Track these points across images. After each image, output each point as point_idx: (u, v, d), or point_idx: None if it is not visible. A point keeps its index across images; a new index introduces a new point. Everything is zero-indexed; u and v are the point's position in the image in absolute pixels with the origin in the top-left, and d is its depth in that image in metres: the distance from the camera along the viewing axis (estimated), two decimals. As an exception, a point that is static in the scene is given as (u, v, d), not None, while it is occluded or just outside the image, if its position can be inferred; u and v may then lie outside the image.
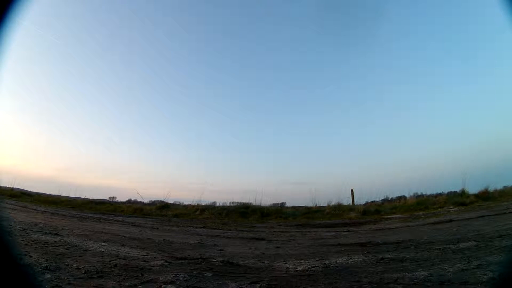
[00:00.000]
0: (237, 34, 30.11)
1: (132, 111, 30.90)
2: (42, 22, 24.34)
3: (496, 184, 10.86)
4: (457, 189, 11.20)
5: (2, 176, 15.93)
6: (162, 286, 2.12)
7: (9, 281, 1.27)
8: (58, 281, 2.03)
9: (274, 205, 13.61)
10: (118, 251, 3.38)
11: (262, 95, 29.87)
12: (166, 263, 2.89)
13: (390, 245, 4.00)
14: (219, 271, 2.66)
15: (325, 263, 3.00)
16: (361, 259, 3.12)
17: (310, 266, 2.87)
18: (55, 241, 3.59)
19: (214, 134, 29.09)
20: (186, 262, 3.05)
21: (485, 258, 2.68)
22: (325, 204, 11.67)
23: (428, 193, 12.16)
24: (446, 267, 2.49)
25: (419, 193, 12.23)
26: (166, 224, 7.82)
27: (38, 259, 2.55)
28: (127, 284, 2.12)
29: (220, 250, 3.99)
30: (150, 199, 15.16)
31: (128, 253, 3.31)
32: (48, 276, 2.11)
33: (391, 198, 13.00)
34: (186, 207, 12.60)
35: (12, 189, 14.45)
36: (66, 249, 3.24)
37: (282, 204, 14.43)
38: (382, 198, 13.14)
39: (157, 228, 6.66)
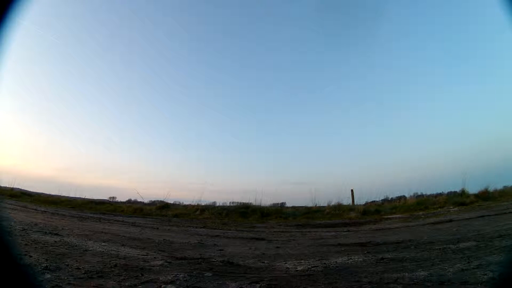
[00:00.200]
0: (237, 34, 30.13)
1: (132, 111, 30.93)
2: (42, 22, 24.36)
3: (496, 184, 10.87)
4: (457, 189, 11.21)
5: (2, 176, 15.95)
6: (162, 286, 2.12)
7: (9, 281, 1.27)
8: (58, 281, 2.03)
9: (274, 205, 13.61)
10: (118, 251, 3.38)
11: (262, 95, 29.88)
12: (166, 263, 2.89)
13: (390, 245, 4.00)
14: (219, 271, 2.66)
15: (325, 263, 3.00)
16: (361, 259, 3.12)
17: (310, 266, 2.87)
18: (55, 241, 3.59)
19: (214, 134, 29.10)
20: (186, 262, 3.05)
21: (485, 258, 2.68)
22: (325, 204, 11.68)
23: (428, 193, 12.17)
24: (446, 267, 2.49)
25: (419, 193, 12.24)
26: (166, 224, 7.82)
27: (38, 259, 2.55)
28: (127, 284, 2.12)
29: (220, 250, 3.99)
30: (150, 199, 15.17)
31: (128, 253, 3.31)
32: (48, 276, 2.11)
33: (391, 198, 13.01)
34: (186, 207, 12.59)
35: (12, 189, 14.46)
36: (66, 249, 3.24)
37: (282, 204, 14.44)
38: (382, 198, 13.15)
39: (157, 228, 6.66)
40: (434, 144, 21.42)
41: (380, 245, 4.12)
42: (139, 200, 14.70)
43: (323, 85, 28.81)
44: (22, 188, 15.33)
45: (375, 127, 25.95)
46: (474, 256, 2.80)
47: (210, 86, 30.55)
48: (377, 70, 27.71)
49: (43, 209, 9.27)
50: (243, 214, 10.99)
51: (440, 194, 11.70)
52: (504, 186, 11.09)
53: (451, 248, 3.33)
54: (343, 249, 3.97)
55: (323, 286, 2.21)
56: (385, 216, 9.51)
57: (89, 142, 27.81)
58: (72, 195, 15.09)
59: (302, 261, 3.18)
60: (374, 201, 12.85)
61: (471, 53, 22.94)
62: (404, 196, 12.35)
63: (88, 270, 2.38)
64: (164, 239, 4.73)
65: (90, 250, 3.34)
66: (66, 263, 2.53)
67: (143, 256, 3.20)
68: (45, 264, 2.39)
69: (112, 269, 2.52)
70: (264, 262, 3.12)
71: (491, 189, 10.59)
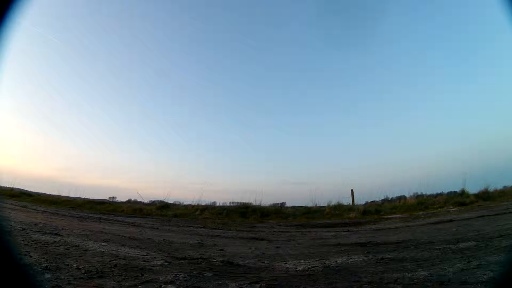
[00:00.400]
0: (237, 34, 30.13)
1: (132, 111, 30.92)
2: (42, 22, 24.35)
3: (496, 184, 10.88)
4: (457, 189, 11.21)
5: (2, 176, 15.94)
6: (162, 286, 2.12)
7: (9, 281, 1.27)
8: (58, 281, 2.03)
9: (274, 205, 13.62)
10: (118, 251, 3.38)
11: (262, 95, 29.89)
12: (166, 263, 2.89)
13: (390, 245, 4.00)
14: (219, 271, 2.66)
15: (325, 263, 3.00)
16: (361, 259, 3.12)
17: (310, 266, 2.87)
18: (55, 241, 3.59)
19: (214, 134, 29.10)
20: (186, 262, 3.05)
21: (485, 258, 2.68)
22: (325, 204, 11.69)
23: (428, 193, 12.16)
24: (446, 267, 2.49)
25: (419, 193, 12.23)
26: (166, 224, 7.82)
27: (38, 259, 2.54)
28: (127, 284, 2.12)
29: (220, 250, 3.99)
30: (150, 199, 15.17)
31: (128, 253, 3.31)
32: (48, 276, 2.11)
33: (391, 198, 13.01)
34: (186, 207, 12.59)
35: (12, 189, 14.46)
36: (66, 249, 3.24)
37: (282, 204, 14.45)
38: (382, 198, 13.15)
39: (157, 228, 6.66)
40: (434, 144, 21.47)
41: (380, 245, 4.12)
42: (139, 200, 14.72)
43: (323, 85, 28.82)
44: (22, 188, 15.36)
45: (375, 127, 25.99)
46: (474, 256, 2.80)
47: (210, 86, 30.57)
48: (377, 70, 27.73)
49: (43, 209, 9.27)
50: (243, 214, 10.98)
51: (440, 194, 11.71)
52: (504, 186, 11.10)
53: (451, 248, 3.33)
54: (343, 249, 3.97)
55: (323, 286, 2.21)
56: (385, 216, 9.51)
57: (89, 142, 27.84)
58: (72, 195, 15.10)
59: (302, 261, 3.18)
60: (374, 201, 12.87)
61: (471, 53, 22.98)
62: (404, 196, 12.35)
63: (88, 270, 2.38)
64: (164, 239, 4.72)
65: (90, 250, 3.33)
66: (66, 263, 2.53)
67: (143, 256, 3.20)
68: (45, 264, 2.38)
69: (112, 269, 2.52)
70: (264, 262, 3.12)
71: (491, 189, 10.61)
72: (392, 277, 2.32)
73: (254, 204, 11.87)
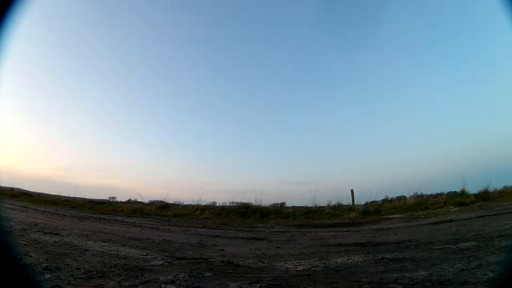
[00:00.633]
0: (237, 34, 30.11)
1: (133, 111, 30.93)
2: (42, 22, 24.35)
3: (496, 184, 10.87)
4: (457, 189, 11.21)
5: (2, 176, 15.94)
6: (162, 286, 2.12)
7: (9, 281, 1.27)
8: (58, 281, 2.03)
9: (274, 205, 13.62)
10: (118, 251, 3.38)
11: (262, 95, 29.90)
12: (166, 263, 2.89)
13: (390, 245, 4.00)
14: (219, 271, 2.66)
15: (325, 263, 3.00)
16: (361, 259, 3.12)
17: (310, 266, 2.87)
18: (55, 241, 3.59)
19: (214, 134, 29.10)
20: (186, 262, 3.05)
21: (485, 258, 2.68)
22: (325, 204, 11.68)
23: (428, 193, 12.16)
24: (446, 267, 2.49)
25: (419, 193, 12.23)
26: (166, 224, 7.82)
27: (38, 259, 2.54)
28: (127, 284, 2.12)
29: (220, 250, 3.99)
30: (150, 199, 15.16)
31: (128, 253, 3.31)
32: (48, 276, 2.11)
33: (391, 198, 13.01)
34: (186, 207, 12.59)
35: (12, 189, 14.46)
36: (66, 249, 3.24)
37: (282, 204, 14.44)
38: (382, 198, 13.15)
39: (157, 228, 6.66)
40: (434, 144, 21.46)
41: (380, 245, 4.12)
42: (139, 200, 14.70)
43: (323, 85, 28.83)
44: (22, 188, 15.36)
45: (375, 127, 25.98)
46: (474, 256, 2.80)
47: (210, 86, 30.57)
48: (377, 70, 27.74)
49: (43, 209, 9.28)
50: (243, 214, 10.98)
51: (440, 194, 11.70)
52: (504, 186, 11.10)
53: (451, 248, 3.33)
54: (343, 249, 3.97)
55: (323, 286, 2.21)
56: (385, 216, 9.51)
57: (89, 142, 27.84)
58: (72, 195, 15.10)
59: (302, 261, 3.18)
60: (374, 201, 12.86)
61: (471, 53, 22.97)
62: (404, 196, 12.35)
63: (88, 270, 2.38)
64: (164, 239, 4.72)
65: (90, 250, 3.33)
66: (66, 263, 2.53)
67: (143, 256, 3.20)
68: (45, 264, 2.38)
69: (112, 269, 2.52)
70: (264, 262, 3.12)
71: (491, 189, 10.60)
72: (392, 277, 2.32)
73: (254, 204, 11.89)
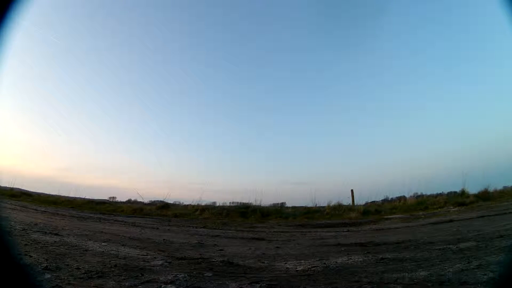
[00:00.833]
0: (237, 34, 30.11)
1: (133, 111, 30.91)
2: (42, 22, 24.35)
3: (496, 184, 10.88)
4: (457, 189, 11.22)
5: (2, 176, 15.93)
6: (162, 286, 2.12)
7: (9, 281, 1.27)
8: (58, 281, 2.03)
9: (274, 205, 13.62)
10: (118, 251, 3.38)
11: (262, 95, 29.89)
12: (166, 263, 2.89)
13: (390, 245, 4.00)
14: (219, 271, 2.66)
15: (325, 263, 3.00)
16: (361, 259, 3.12)
17: (310, 266, 2.87)
18: (55, 241, 3.59)
19: (214, 134, 29.10)
20: (186, 262, 3.05)
21: (485, 258, 2.68)
22: (325, 204, 11.69)
23: (428, 193, 12.18)
24: (446, 267, 2.49)
25: (419, 193, 12.25)
26: (166, 224, 7.82)
27: (38, 259, 2.54)
28: (127, 284, 2.12)
29: (220, 250, 3.99)
30: (150, 199, 15.18)
31: (128, 253, 3.31)
32: (48, 276, 2.11)
33: (391, 198, 13.01)
34: (186, 207, 12.59)
35: (12, 189, 14.45)
36: (66, 249, 3.24)
37: (282, 204, 14.43)
38: (382, 198, 13.17)
39: (157, 228, 6.66)
40: (434, 144, 21.44)
41: (380, 245, 4.12)
42: (139, 200, 14.71)
43: (323, 85, 28.82)
44: (22, 188, 15.35)
45: (375, 127, 25.96)
46: (474, 256, 2.80)
47: (210, 86, 30.57)
48: (377, 70, 27.73)
49: (43, 209, 9.28)
50: (243, 214, 10.99)
51: (440, 194, 11.71)
52: (504, 186, 11.11)
53: (451, 248, 3.33)
54: (343, 249, 3.97)
55: (323, 286, 2.21)
56: (385, 216, 9.51)
57: (89, 142, 27.84)
58: (72, 195, 15.08)
59: (302, 261, 3.18)
60: (374, 201, 12.88)
61: (471, 53, 22.95)
62: (404, 196, 12.36)
63: (88, 270, 2.38)
64: (164, 239, 4.73)
65: (90, 250, 3.34)
66: (66, 263, 2.53)
67: (143, 256, 3.20)
68: (45, 264, 2.39)
69: (112, 269, 2.52)
70: (264, 262, 3.12)
71: (491, 189, 10.61)
72: (392, 277, 2.32)
73: (254, 204, 11.89)
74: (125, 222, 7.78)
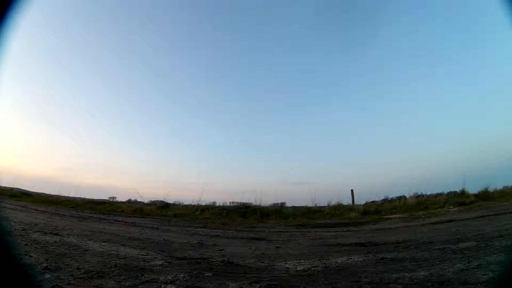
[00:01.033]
0: (237, 35, 30.10)
1: (133, 111, 30.91)
2: (42, 22, 24.35)
3: (496, 184, 10.88)
4: (457, 189, 11.22)
5: (2, 176, 15.95)
6: (162, 286, 2.12)
7: (9, 281, 1.27)
8: (58, 281, 2.03)
9: (274, 205, 13.61)
10: (118, 251, 3.38)
11: (262, 95, 29.88)
12: (166, 263, 2.89)
13: (390, 245, 4.00)
14: (219, 271, 2.66)
15: (325, 263, 3.00)
16: (361, 259, 3.12)
17: (310, 266, 2.87)
18: (55, 241, 3.59)
19: (214, 134, 29.09)
20: (186, 262, 3.05)
21: (485, 258, 2.68)
22: (325, 204, 11.69)
23: (428, 193, 12.17)
24: (446, 267, 2.49)
25: (419, 193, 12.23)
26: (166, 224, 7.82)
27: (38, 259, 2.55)
28: (127, 284, 2.12)
29: (220, 250, 3.99)
30: (150, 199, 15.16)
31: (128, 253, 3.31)
32: (48, 276, 2.11)
33: (391, 198, 13.02)
34: (186, 207, 12.59)
35: (12, 189, 14.46)
36: (66, 249, 3.24)
37: (282, 204, 14.43)
38: (382, 198, 13.16)
39: (157, 228, 6.66)
40: (434, 144, 21.43)
41: (380, 245, 4.12)
42: (139, 200, 14.70)
43: (323, 85, 28.81)
44: (22, 188, 15.36)
45: (375, 127, 25.95)
46: (474, 256, 2.80)
47: (210, 87, 30.57)
48: (377, 69, 27.71)
49: (43, 209, 9.28)
50: (243, 214, 10.98)
51: (440, 194, 11.70)
52: (504, 186, 11.11)
53: (451, 248, 3.33)
54: (343, 249, 3.97)
55: (323, 286, 2.21)
56: (385, 216, 9.51)
57: (89, 142, 27.81)
58: (72, 195, 15.07)
59: (302, 261, 3.18)
60: (374, 201, 12.87)
61: (471, 53, 22.94)
62: (404, 196, 12.36)
63: (88, 270, 2.38)
64: (164, 239, 4.73)
65: (90, 250, 3.34)
66: (66, 263, 2.53)
67: (143, 256, 3.21)
68: (45, 264, 2.39)
69: (112, 269, 2.52)
70: (264, 262, 3.12)
71: (491, 189, 10.61)
72: (392, 277, 2.32)
73: (254, 204, 11.88)
74: (125, 222, 7.78)
